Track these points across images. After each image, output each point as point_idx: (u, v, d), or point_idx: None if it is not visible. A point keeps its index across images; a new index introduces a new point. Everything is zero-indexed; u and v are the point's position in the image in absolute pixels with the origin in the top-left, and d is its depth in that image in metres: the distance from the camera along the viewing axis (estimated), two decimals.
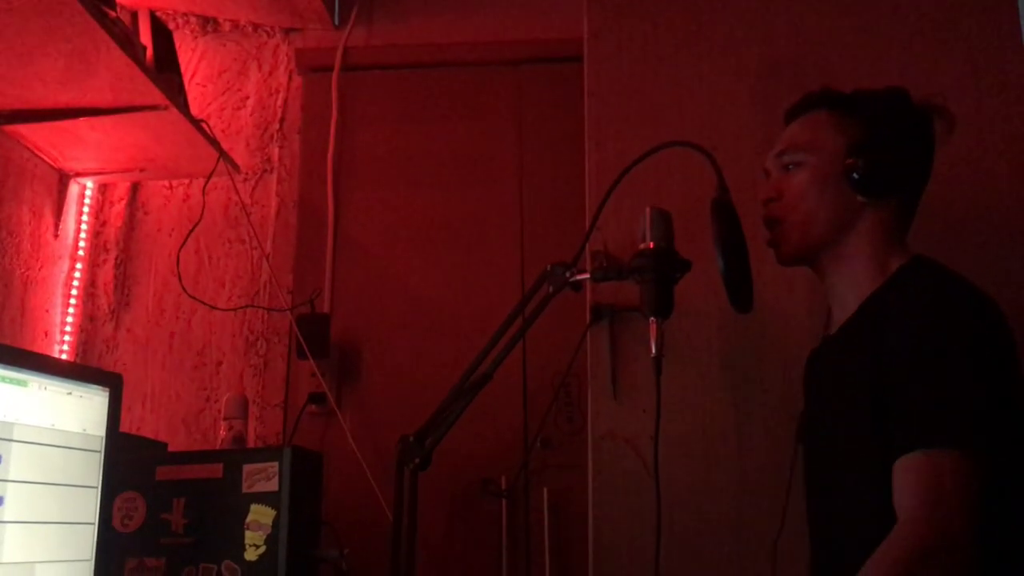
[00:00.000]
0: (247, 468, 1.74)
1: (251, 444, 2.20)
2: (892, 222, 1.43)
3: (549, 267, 1.45)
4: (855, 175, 1.40)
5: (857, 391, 1.32)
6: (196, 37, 2.61)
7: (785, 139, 1.51)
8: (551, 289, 1.44)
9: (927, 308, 1.28)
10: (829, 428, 1.42)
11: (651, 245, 1.41)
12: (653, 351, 1.41)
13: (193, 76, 2.57)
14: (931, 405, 1.21)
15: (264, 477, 1.72)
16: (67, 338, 2.38)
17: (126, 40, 1.92)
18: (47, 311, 2.34)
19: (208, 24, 2.61)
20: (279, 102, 2.57)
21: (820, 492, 1.45)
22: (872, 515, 1.25)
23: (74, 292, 2.42)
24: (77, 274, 2.44)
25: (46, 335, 2.33)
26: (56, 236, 2.38)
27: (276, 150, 2.53)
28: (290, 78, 2.58)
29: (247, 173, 2.51)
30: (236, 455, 1.83)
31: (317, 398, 2.27)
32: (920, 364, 1.24)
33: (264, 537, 1.69)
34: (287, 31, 2.61)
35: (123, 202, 2.53)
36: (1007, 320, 1.30)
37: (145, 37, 2.16)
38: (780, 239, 1.50)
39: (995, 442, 1.19)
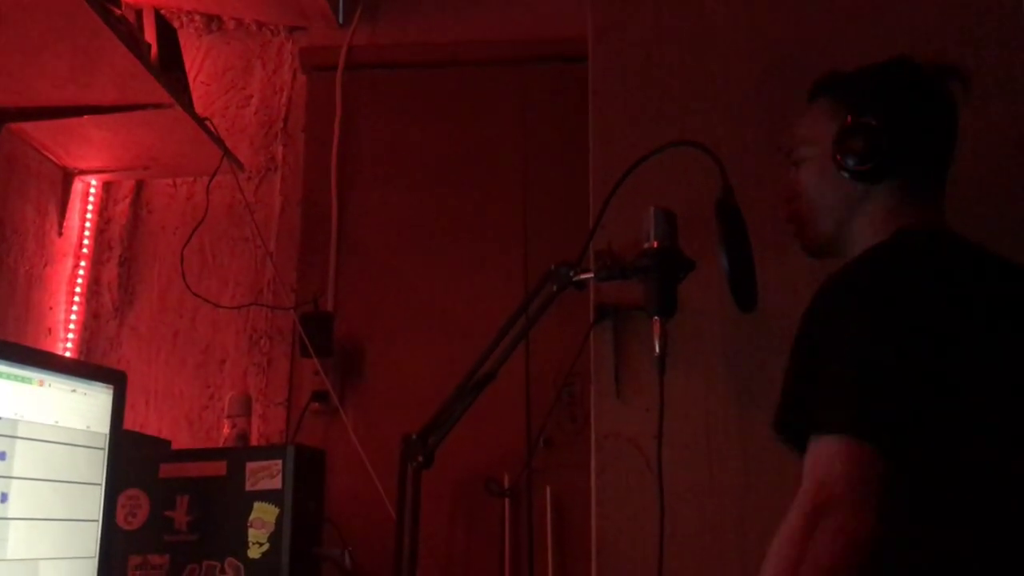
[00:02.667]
0: (250, 466, 1.75)
1: (254, 442, 2.20)
2: (903, 199, 1.34)
3: (553, 266, 1.46)
4: (843, 162, 1.33)
5: (787, 379, 1.26)
6: (200, 35, 2.61)
7: (791, 135, 1.48)
8: (555, 288, 1.45)
9: (832, 292, 1.22)
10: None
11: (655, 244, 1.41)
12: (657, 350, 1.41)
13: (197, 74, 2.57)
14: (827, 389, 1.15)
15: (267, 475, 1.73)
16: (71, 335, 2.39)
17: (131, 38, 1.93)
18: (51, 308, 2.35)
19: (212, 22, 2.61)
20: (283, 101, 2.57)
21: None
22: None
23: (78, 290, 2.43)
24: (81, 272, 2.44)
25: (50, 332, 2.33)
26: (60, 234, 2.38)
27: (280, 149, 2.54)
28: (294, 77, 2.58)
29: (251, 171, 2.51)
30: (239, 453, 1.84)
31: (320, 396, 2.27)
32: (804, 349, 1.20)
33: (267, 535, 1.70)
34: (291, 29, 2.61)
35: (127, 200, 2.53)
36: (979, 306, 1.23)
37: (150, 35, 2.16)
38: (799, 235, 1.46)
39: (886, 427, 1.11)
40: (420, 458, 1.39)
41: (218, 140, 2.30)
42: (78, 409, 1.49)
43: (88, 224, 2.47)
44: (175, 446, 2.16)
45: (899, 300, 1.18)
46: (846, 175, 1.34)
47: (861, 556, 1.06)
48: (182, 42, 2.39)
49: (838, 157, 1.34)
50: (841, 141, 1.34)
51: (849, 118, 1.34)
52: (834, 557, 1.06)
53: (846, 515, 1.07)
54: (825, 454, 1.11)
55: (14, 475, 1.35)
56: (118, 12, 1.92)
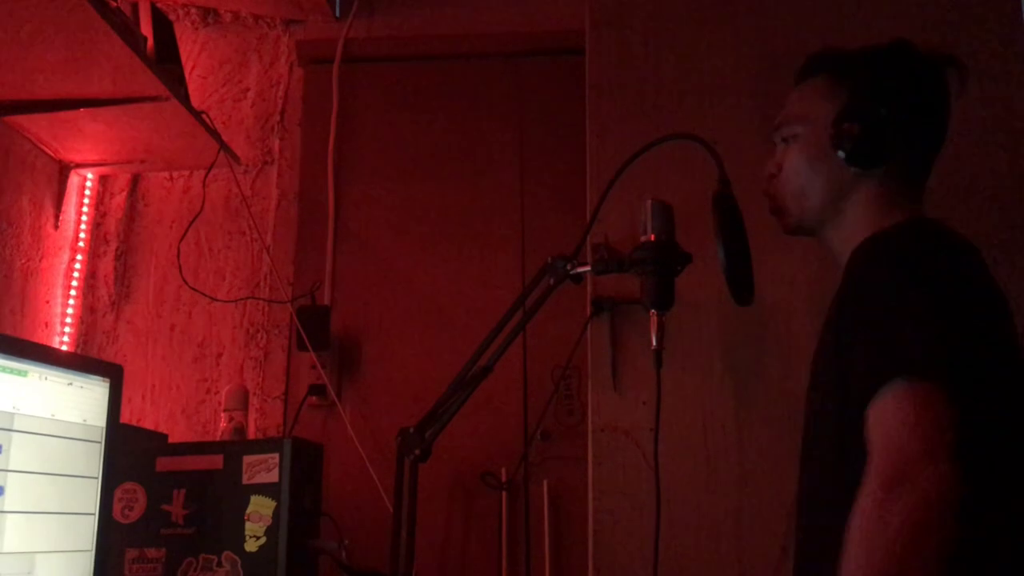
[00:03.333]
0: (247, 459, 1.74)
1: (251, 435, 2.20)
2: (894, 187, 1.34)
3: (550, 259, 1.45)
4: (841, 146, 1.32)
5: (825, 364, 1.27)
6: (197, 28, 2.61)
7: (783, 111, 1.45)
8: (552, 281, 1.44)
9: (887, 267, 1.20)
10: (810, 403, 1.36)
11: (652, 238, 1.41)
12: (654, 344, 1.41)
13: (194, 67, 2.57)
14: (891, 341, 1.12)
15: (264, 468, 1.73)
16: (67, 329, 2.39)
17: (127, 31, 1.92)
18: (47, 302, 2.34)
19: (209, 15, 2.61)
20: (280, 94, 2.56)
21: (801, 467, 1.37)
22: (834, 499, 1.18)
23: (74, 283, 2.42)
24: (77, 265, 2.44)
25: (46, 326, 2.33)
26: (56, 227, 2.38)
27: (277, 142, 2.53)
28: (291, 70, 2.58)
29: (247, 165, 2.50)
30: (236, 446, 1.83)
31: (317, 390, 2.27)
32: (874, 315, 1.16)
33: (264, 528, 1.70)
34: (288, 22, 2.61)
35: (123, 193, 2.53)
36: (999, 293, 1.24)
37: (146, 28, 2.15)
38: (779, 212, 1.44)
39: (967, 376, 1.08)
40: (417, 451, 1.39)
41: (214, 133, 2.29)
42: (75, 402, 1.48)
43: (84, 217, 2.47)
44: (172, 439, 2.16)
45: (954, 277, 1.19)
46: (842, 156, 1.33)
47: (953, 510, 1.02)
48: (178, 35, 2.39)
49: (835, 139, 1.33)
50: (839, 123, 1.33)
51: (848, 100, 1.33)
52: (927, 521, 1.02)
53: (928, 472, 1.03)
54: (892, 408, 1.08)
55: (10, 468, 1.35)
56: (114, 5, 1.91)
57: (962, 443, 1.05)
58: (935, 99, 1.36)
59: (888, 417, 1.09)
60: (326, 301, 2.37)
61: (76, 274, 2.43)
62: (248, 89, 2.57)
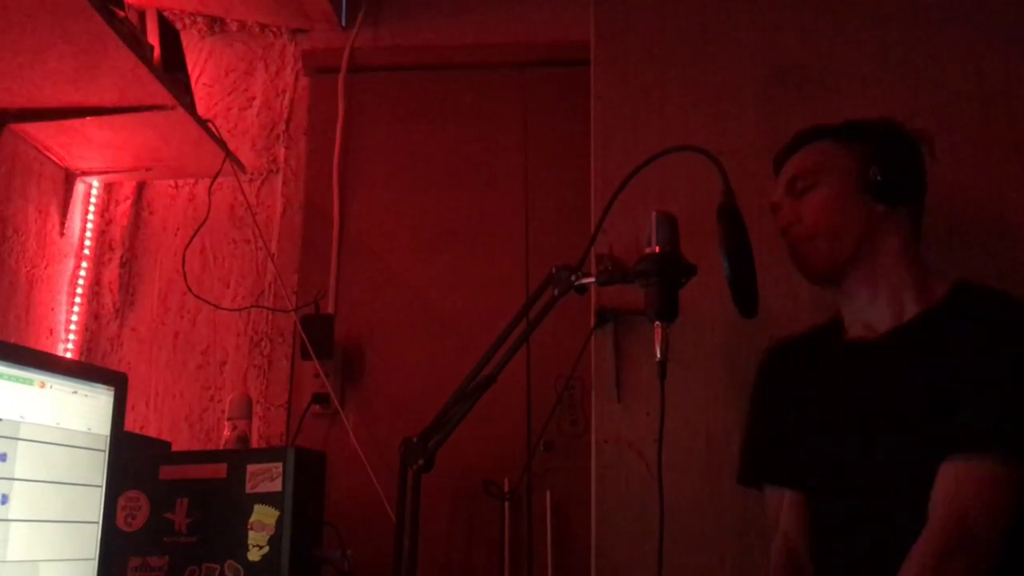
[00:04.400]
0: (251, 468, 1.74)
1: (255, 444, 2.20)
2: (911, 234, 1.51)
3: (554, 270, 1.45)
4: (878, 180, 1.47)
5: (917, 401, 1.37)
6: (203, 37, 2.62)
7: (791, 169, 1.57)
8: (556, 292, 1.44)
9: (1001, 332, 1.35)
10: (873, 436, 1.43)
11: (656, 249, 1.41)
12: (658, 355, 1.40)
13: (200, 76, 2.58)
14: (994, 410, 1.28)
15: (268, 477, 1.73)
16: (72, 337, 2.39)
17: (134, 40, 1.93)
18: (52, 309, 2.35)
19: (215, 24, 2.62)
20: (285, 103, 2.57)
21: (859, 491, 1.46)
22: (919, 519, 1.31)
23: (79, 291, 2.43)
24: (82, 273, 2.44)
25: (51, 333, 2.33)
26: (62, 235, 2.39)
27: (282, 151, 2.54)
28: (296, 79, 2.58)
29: (253, 173, 2.51)
30: (240, 455, 1.83)
31: (321, 399, 2.27)
32: (994, 376, 1.30)
33: (267, 537, 1.70)
34: (294, 32, 2.62)
35: (129, 201, 2.53)
36: None
37: (153, 37, 2.16)
38: (809, 258, 1.55)
39: None
40: (420, 461, 1.39)
41: (220, 142, 2.30)
42: (79, 411, 1.49)
43: (90, 225, 2.48)
44: (175, 448, 2.16)
45: None
46: (876, 192, 1.48)
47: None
48: (185, 44, 2.39)
49: (865, 180, 1.48)
50: (864, 167, 1.49)
51: (868, 151, 1.50)
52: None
53: (980, 553, 1.23)
54: (970, 479, 1.25)
55: (15, 476, 1.35)
56: (121, 14, 1.92)
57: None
58: (921, 163, 1.54)
59: (972, 484, 1.26)
60: (330, 310, 2.37)
61: (81, 281, 2.44)
62: (254, 98, 2.58)
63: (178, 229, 2.49)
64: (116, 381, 1.57)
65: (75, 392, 1.48)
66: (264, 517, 1.70)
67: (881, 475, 1.39)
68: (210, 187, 2.39)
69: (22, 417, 1.37)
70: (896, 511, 1.36)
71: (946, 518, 1.24)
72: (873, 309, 1.51)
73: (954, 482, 1.26)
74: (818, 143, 1.56)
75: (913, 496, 1.31)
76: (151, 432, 2.31)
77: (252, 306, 2.42)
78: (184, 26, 2.57)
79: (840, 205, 1.51)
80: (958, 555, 1.22)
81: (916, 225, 1.53)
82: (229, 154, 2.33)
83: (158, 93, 2.05)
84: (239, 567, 1.70)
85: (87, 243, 2.46)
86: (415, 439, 1.41)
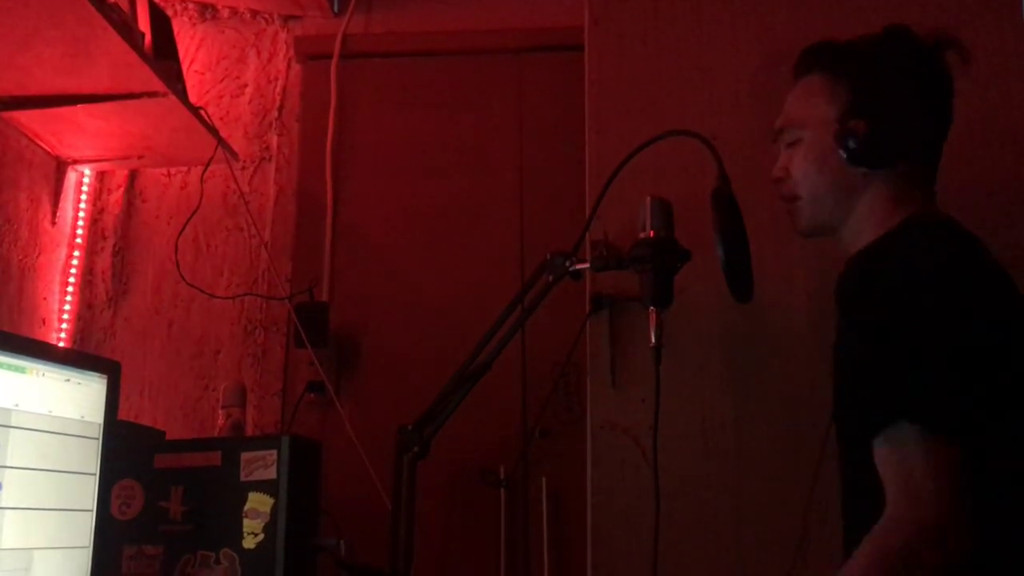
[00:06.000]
0: (245, 456, 1.74)
1: (249, 432, 2.20)
2: (905, 181, 1.33)
3: (549, 256, 1.45)
4: (847, 149, 1.31)
5: (836, 372, 1.26)
6: (195, 24, 2.60)
7: (783, 114, 1.45)
8: (551, 278, 1.44)
9: (885, 278, 1.19)
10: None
11: (651, 234, 1.41)
12: (653, 341, 1.41)
13: (192, 63, 2.56)
14: (882, 386, 1.13)
15: (262, 465, 1.72)
16: (65, 326, 2.38)
17: (124, 27, 1.91)
18: (45, 299, 2.34)
19: (207, 11, 2.60)
20: (278, 90, 2.56)
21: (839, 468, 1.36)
22: (860, 494, 1.21)
23: (72, 280, 2.42)
24: (75, 262, 2.43)
25: (44, 323, 2.33)
26: (54, 223, 2.37)
27: (275, 138, 2.53)
28: (289, 66, 2.57)
29: (245, 161, 2.50)
30: (234, 443, 1.83)
31: (315, 386, 2.27)
32: (872, 342, 1.16)
33: (262, 525, 1.69)
34: (286, 18, 2.60)
35: (121, 189, 2.52)
36: (1013, 290, 1.23)
37: (144, 24, 2.15)
38: (792, 215, 1.44)
39: (968, 420, 1.10)
40: (416, 448, 1.39)
41: (212, 129, 2.29)
42: (72, 399, 1.48)
43: (82, 214, 2.46)
44: (169, 436, 2.15)
45: (948, 287, 1.17)
46: (846, 158, 1.32)
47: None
48: (176, 31, 2.38)
49: (840, 142, 1.32)
50: (843, 125, 1.32)
51: (850, 99, 1.33)
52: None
53: (947, 549, 1.06)
54: (908, 458, 1.09)
55: (8, 464, 1.35)
56: (111, 0, 1.90)
57: (965, 479, 1.07)
58: (937, 85, 1.34)
59: (897, 460, 1.10)
60: (324, 298, 2.36)
61: (73, 270, 2.43)
62: (246, 85, 2.56)
63: (171, 217, 2.48)
64: (109, 369, 1.57)
65: (68, 380, 1.47)
66: (259, 505, 1.70)
67: (840, 452, 1.31)
68: (202, 175, 2.38)
69: (15, 405, 1.37)
70: (847, 492, 1.29)
71: (894, 513, 1.09)
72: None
73: (885, 469, 1.11)
74: (811, 76, 1.41)
75: (855, 476, 1.23)
76: (145, 421, 2.31)
77: (246, 294, 2.41)
78: (175, 13, 2.55)
79: (817, 168, 1.36)
80: (918, 556, 1.06)
81: (918, 170, 1.34)
82: (221, 141, 2.32)
83: (149, 80, 2.03)
84: (234, 555, 1.69)
85: (79, 232, 2.45)
86: (411, 427, 1.41)
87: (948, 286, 1.18)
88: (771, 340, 1.85)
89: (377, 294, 2.38)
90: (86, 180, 2.48)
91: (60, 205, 2.38)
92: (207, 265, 2.45)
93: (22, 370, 1.39)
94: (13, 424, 1.36)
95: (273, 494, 1.70)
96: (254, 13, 2.60)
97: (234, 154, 2.41)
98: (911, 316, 1.14)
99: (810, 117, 1.39)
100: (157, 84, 2.05)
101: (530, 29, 2.49)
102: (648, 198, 1.43)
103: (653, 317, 1.40)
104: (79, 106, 2.09)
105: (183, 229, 2.37)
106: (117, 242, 2.48)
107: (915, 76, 1.32)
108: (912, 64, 1.33)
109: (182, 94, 2.18)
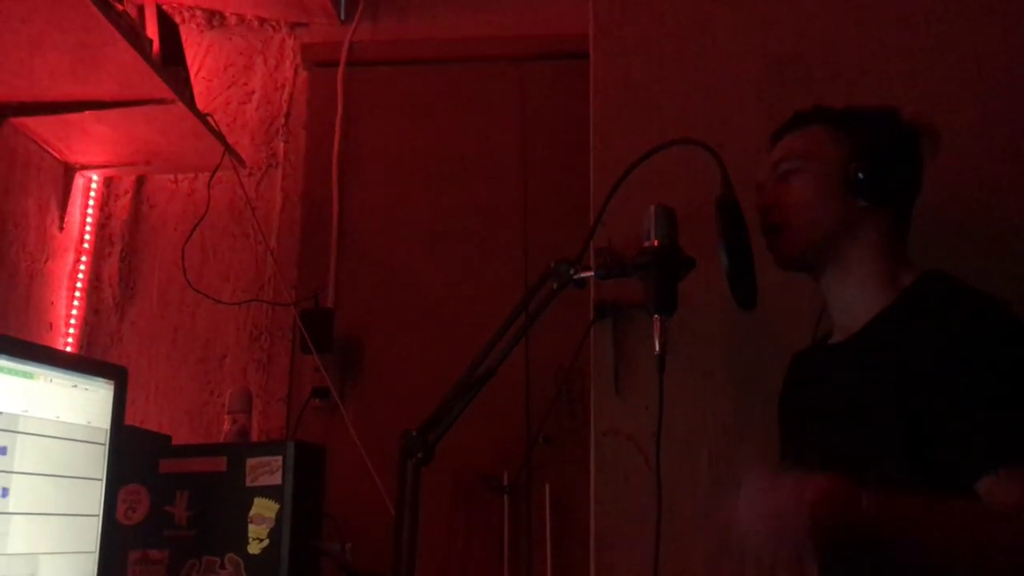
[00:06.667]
0: (250, 462, 1.75)
1: (255, 438, 2.20)
2: (892, 231, 1.43)
3: (553, 264, 1.45)
4: (859, 177, 1.40)
5: (882, 414, 1.31)
6: (202, 31, 2.61)
7: (781, 150, 1.51)
8: (555, 286, 1.44)
9: (964, 327, 1.28)
10: (839, 443, 1.39)
11: (655, 242, 1.41)
12: (657, 348, 1.40)
13: (199, 70, 2.57)
14: (1004, 423, 1.22)
15: (267, 471, 1.73)
16: (72, 331, 2.39)
17: (133, 33, 1.93)
18: (52, 304, 2.35)
19: (214, 18, 2.61)
20: (284, 97, 2.57)
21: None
22: None
23: (79, 285, 2.43)
24: (82, 267, 2.45)
25: (51, 328, 2.34)
26: (61, 229, 2.39)
27: (281, 145, 2.54)
28: (295, 73, 2.58)
29: (252, 168, 2.51)
30: (240, 449, 1.84)
31: (320, 392, 2.28)
32: (977, 383, 1.24)
33: (267, 530, 1.70)
34: (293, 26, 2.61)
35: (128, 195, 2.53)
36: None
37: (151, 30, 2.16)
38: (782, 244, 1.48)
39: None
40: (420, 454, 1.39)
41: (219, 136, 2.30)
42: (79, 404, 1.49)
43: (89, 219, 2.48)
44: (175, 441, 2.16)
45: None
46: (857, 190, 1.40)
47: None
48: (184, 38, 2.39)
49: (855, 170, 1.40)
50: (857, 158, 1.41)
51: (857, 144, 1.42)
52: None
53: None
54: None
55: (15, 470, 1.35)
56: (120, 7, 1.92)
57: None
58: (918, 159, 1.46)
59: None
60: (329, 304, 2.37)
61: (81, 276, 2.44)
62: (253, 92, 2.58)
63: (177, 223, 2.49)
64: (116, 375, 1.58)
65: (75, 386, 1.48)
66: (264, 510, 1.71)
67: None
68: (209, 181, 2.39)
69: (22, 411, 1.38)
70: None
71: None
72: (846, 301, 1.46)
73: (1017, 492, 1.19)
74: (812, 126, 1.50)
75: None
76: (151, 426, 2.31)
77: (252, 300, 2.42)
78: (183, 20, 2.57)
79: (821, 196, 1.44)
80: None
81: (901, 224, 1.46)
82: (228, 148, 2.33)
83: (157, 87, 2.05)
84: (239, 560, 1.70)
85: (87, 237, 2.46)
86: (415, 432, 1.41)
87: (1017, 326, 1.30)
88: (775, 348, 1.85)
89: (382, 301, 2.39)
90: (94, 186, 2.50)
91: (68, 210, 2.40)
92: (213, 271, 2.46)
93: (30, 376, 1.40)
94: (21, 430, 1.37)
95: (278, 499, 1.71)
96: (261, 21, 2.61)
97: (241, 161, 2.42)
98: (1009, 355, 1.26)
99: (814, 152, 1.46)
100: (165, 91, 2.06)
101: (535, 37, 2.49)
102: (652, 206, 1.43)
103: (657, 325, 1.40)
104: (87, 112, 2.11)
105: (190, 235, 2.38)
106: (124, 248, 2.49)
107: (903, 143, 1.44)
108: (900, 133, 1.45)
109: (190, 101, 2.19)
